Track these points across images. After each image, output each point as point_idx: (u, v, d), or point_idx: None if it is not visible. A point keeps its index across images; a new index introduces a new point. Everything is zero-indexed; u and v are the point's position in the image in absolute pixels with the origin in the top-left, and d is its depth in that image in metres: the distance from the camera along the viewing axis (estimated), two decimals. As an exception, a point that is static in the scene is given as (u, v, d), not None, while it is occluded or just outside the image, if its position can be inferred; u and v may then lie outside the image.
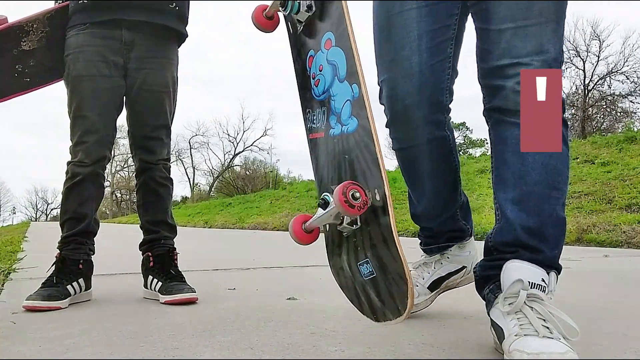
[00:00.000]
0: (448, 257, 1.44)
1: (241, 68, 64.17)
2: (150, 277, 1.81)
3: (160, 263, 1.82)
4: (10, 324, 1.39)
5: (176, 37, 1.87)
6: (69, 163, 1.76)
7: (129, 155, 38.92)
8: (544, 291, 1.04)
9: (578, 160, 9.26)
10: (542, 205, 1.11)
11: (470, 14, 1.24)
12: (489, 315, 1.11)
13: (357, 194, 1.04)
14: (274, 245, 5.39)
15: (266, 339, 1.20)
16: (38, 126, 76.08)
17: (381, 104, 1.33)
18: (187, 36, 1.90)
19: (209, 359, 1.05)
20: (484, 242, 1.20)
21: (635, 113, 20.77)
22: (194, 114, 75.08)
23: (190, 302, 1.69)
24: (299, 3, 1.24)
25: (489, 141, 1.24)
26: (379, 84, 1.32)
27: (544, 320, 0.97)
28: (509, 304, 1.02)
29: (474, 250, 1.45)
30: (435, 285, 1.45)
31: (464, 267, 1.45)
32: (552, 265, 1.11)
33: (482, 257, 1.21)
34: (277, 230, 10.49)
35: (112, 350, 1.12)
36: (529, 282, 1.03)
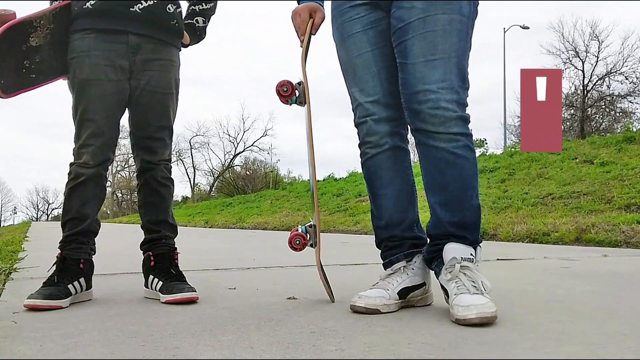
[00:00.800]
0: (413, 269, 1.62)
1: (241, 69, 64.19)
2: (151, 277, 1.81)
3: (161, 262, 1.82)
4: (11, 323, 1.39)
5: (179, 47, 1.91)
6: (72, 164, 1.77)
7: (130, 155, 38.91)
8: (472, 262, 1.47)
9: (577, 160, 9.26)
10: (461, 204, 1.50)
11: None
12: (439, 281, 1.52)
13: (297, 241, 1.67)
14: (274, 245, 5.40)
15: (266, 338, 1.20)
16: (38, 126, 76.08)
17: (355, 124, 1.66)
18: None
19: (210, 359, 1.06)
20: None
21: (634, 113, 20.79)
22: (195, 114, 75.22)
23: (191, 301, 1.69)
24: (295, 98, 1.71)
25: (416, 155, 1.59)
26: (353, 110, 1.66)
27: (473, 281, 1.41)
28: (449, 272, 1.45)
29: (429, 271, 1.67)
30: (403, 294, 1.58)
31: (424, 283, 1.63)
32: (475, 243, 1.52)
33: (428, 243, 1.61)
34: (277, 230, 10.49)
35: (112, 350, 1.12)
36: (461, 258, 1.46)
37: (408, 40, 1.48)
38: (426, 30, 1.46)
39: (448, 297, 1.45)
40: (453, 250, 1.47)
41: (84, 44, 1.74)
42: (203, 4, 1.95)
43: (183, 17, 1.94)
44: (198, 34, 1.99)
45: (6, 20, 1.65)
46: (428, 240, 1.61)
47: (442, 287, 1.49)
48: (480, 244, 1.54)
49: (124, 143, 35.70)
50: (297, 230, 1.68)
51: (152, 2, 1.77)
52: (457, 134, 1.47)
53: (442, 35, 1.46)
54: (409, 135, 1.63)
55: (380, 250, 1.70)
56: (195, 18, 1.96)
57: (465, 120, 1.49)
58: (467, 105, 1.50)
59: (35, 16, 1.70)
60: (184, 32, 1.93)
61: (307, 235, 1.68)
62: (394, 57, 1.57)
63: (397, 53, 1.54)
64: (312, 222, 1.71)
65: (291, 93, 1.69)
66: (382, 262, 1.69)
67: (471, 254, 1.48)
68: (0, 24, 1.64)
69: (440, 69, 1.45)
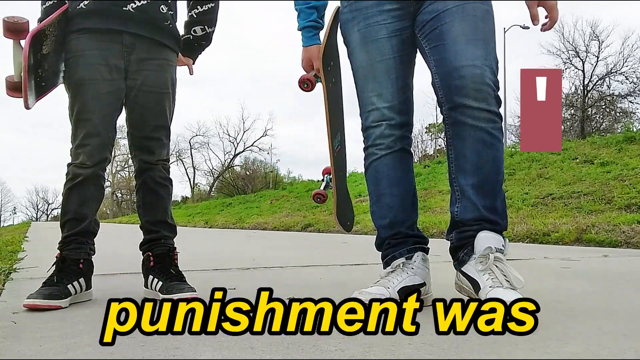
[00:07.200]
0: (413, 268, 1.60)
1: (241, 69, 64.20)
2: (151, 277, 1.81)
3: (161, 263, 1.82)
4: (10, 323, 1.39)
5: (176, 50, 1.91)
6: (69, 165, 1.76)
7: (129, 155, 38.79)
8: (502, 252, 1.46)
9: (577, 160, 9.27)
10: (494, 187, 1.50)
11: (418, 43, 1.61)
12: (460, 270, 1.51)
13: (319, 197, 1.82)
14: (274, 245, 5.40)
15: (266, 339, 1.20)
16: (38, 126, 76.12)
17: (366, 127, 1.67)
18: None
19: (209, 359, 1.06)
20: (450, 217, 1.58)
21: (634, 113, 20.80)
22: (195, 114, 75.28)
23: (191, 301, 1.69)
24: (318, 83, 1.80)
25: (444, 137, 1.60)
26: (365, 113, 1.67)
27: (505, 275, 1.39)
28: (480, 262, 1.44)
29: (430, 271, 1.66)
30: (404, 293, 1.54)
31: (424, 284, 1.61)
32: (504, 230, 1.51)
33: (453, 230, 1.56)
34: (278, 230, 10.49)
35: (112, 350, 1.12)
36: (495, 248, 1.44)
37: (446, 24, 1.50)
38: (466, 14, 1.49)
39: (476, 288, 1.42)
40: (487, 240, 1.44)
41: (79, 44, 1.74)
42: (199, 6, 1.93)
43: (182, 31, 1.95)
44: (197, 46, 1.99)
45: (22, 28, 1.62)
46: (452, 221, 1.57)
47: (468, 276, 1.46)
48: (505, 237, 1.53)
49: (124, 143, 35.72)
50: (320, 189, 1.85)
51: (145, 1, 1.77)
52: (495, 114, 1.48)
53: (481, 20, 1.49)
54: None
55: (381, 251, 1.70)
56: (193, 29, 1.95)
57: (500, 102, 1.50)
58: (499, 90, 1.51)
59: (46, 24, 1.67)
60: (184, 52, 1.95)
61: (326, 193, 1.84)
62: (408, 66, 1.65)
63: (428, 40, 1.55)
64: (329, 183, 1.85)
65: (311, 87, 1.78)
66: (382, 261, 1.68)
67: (502, 245, 1.47)
68: (15, 32, 1.61)
69: (483, 48, 1.47)
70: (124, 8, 1.74)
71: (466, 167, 1.50)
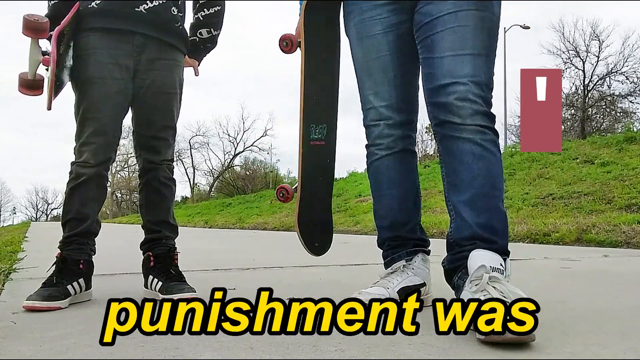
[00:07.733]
0: (413, 269, 1.59)
1: (241, 69, 64.20)
2: (151, 277, 1.81)
3: (161, 263, 1.82)
4: (10, 323, 1.39)
5: (184, 52, 1.92)
6: (73, 163, 1.76)
7: (129, 155, 38.98)
8: (502, 274, 1.28)
9: (578, 160, 9.26)
10: (489, 203, 1.38)
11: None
12: (461, 298, 1.30)
13: (282, 192, 1.74)
14: (274, 245, 5.40)
15: (266, 339, 1.20)
16: (38, 126, 76.11)
17: (365, 126, 1.64)
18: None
19: (210, 359, 1.06)
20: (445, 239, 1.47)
21: (634, 113, 20.79)
22: (195, 114, 75.21)
23: (191, 301, 1.68)
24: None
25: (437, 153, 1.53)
26: (364, 111, 1.63)
27: (503, 294, 1.20)
28: (475, 285, 1.25)
29: (430, 271, 1.63)
30: (404, 293, 1.52)
31: (424, 284, 1.60)
32: (504, 252, 1.36)
33: (447, 253, 1.45)
34: (277, 230, 10.49)
35: (111, 350, 1.12)
36: (490, 267, 1.26)
37: (437, 34, 1.43)
38: (457, 25, 1.40)
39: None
40: (480, 258, 1.28)
41: (90, 43, 1.74)
42: (206, 9, 1.93)
43: (188, 33, 1.95)
44: (203, 48, 2.00)
45: (42, 28, 1.61)
46: (447, 244, 1.46)
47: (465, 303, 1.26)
48: (508, 255, 1.38)
49: (123, 143, 35.75)
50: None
51: (157, 2, 1.77)
52: (484, 127, 1.39)
53: (473, 31, 1.40)
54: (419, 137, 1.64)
55: (382, 250, 1.70)
56: (199, 31, 1.95)
57: (492, 118, 1.42)
58: (492, 106, 1.43)
59: (65, 24, 1.66)
60: (190, 54, 1.96)
61: (293, 191, 1.73)
62: (409, 62, 1.57)
63: (421, 48, 1.49)
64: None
65: (291, 47, 1.70)
66: (382, 261, 1.68)
67: (501, 265, 1.29)
68: (35, 31, 1.60)
69: (470, 64, 1.39)
70: (135, 9, 1.74)
71: (457, 183, 1.41)
